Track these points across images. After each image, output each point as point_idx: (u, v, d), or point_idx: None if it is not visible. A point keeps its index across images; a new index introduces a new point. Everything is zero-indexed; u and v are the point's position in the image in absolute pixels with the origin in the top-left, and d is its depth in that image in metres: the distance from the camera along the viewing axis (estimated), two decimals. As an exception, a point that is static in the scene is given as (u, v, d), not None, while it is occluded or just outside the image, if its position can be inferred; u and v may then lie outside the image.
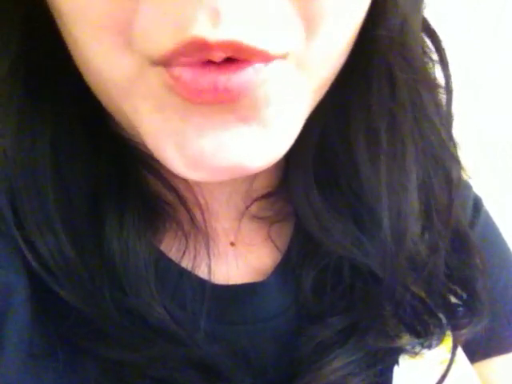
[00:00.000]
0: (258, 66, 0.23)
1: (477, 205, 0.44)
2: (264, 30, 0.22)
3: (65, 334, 0.28)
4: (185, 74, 0.23)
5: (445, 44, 0.34)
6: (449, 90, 0.34)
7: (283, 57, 0.24)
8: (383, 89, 0.31)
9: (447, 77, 0.34)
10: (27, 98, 0.29)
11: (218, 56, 0.22)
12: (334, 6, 0.24)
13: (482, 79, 0.77)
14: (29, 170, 0.29)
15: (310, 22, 0.23)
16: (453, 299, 0.37)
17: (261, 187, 0.35)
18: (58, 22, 0.26)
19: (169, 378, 0.29)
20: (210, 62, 0.23)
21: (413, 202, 0.33)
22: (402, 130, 0.32)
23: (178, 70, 0.23)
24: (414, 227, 0.34)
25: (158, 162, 0.31)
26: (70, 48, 0.26)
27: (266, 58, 0.23)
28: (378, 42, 0.28)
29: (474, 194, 0.45)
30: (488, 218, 0.45)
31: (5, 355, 0.26)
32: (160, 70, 0.23)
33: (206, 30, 0.21)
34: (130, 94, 0.25)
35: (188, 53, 0.22)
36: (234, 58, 0.23)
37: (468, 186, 0.44)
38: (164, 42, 0.22)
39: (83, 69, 0.26)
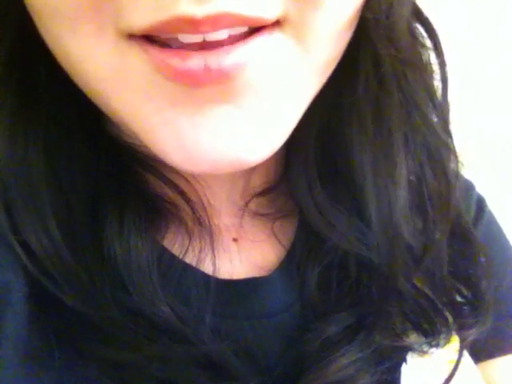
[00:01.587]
0: (255, 41, 0.23)
1: (480, 205, 0.44)
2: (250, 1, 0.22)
3: (64, 334, 0.28)
4: (168, 59, 0.22)
5: (445, 44, 0.34)
6: (444, 78, 0.34)
7: (278, 23, 0.23)
8: (369, 74, 0.30)
9: (442, 64, 0.33)
10: (20, 102, 0.29)
11: (205, 31, 0.21)
12: None
13: (482, 79, 0.77)
14: (23, 174, 0.29)
15: None
16: (458, 298, 0.37)
17: (259, 184, 0.35)
18: (36, 20, 0.25)
19: (172, 377, 0.29)
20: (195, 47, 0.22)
21: (401, 190, 0.33)
22: (388, 117, 0.32)
23: (160, 56, 0.22)
24: (403, 218, 0.33)
25: (156, 161, 0.31)
26: (51, 47, 0.26)
27: (260, 23, 0.22)
28: (365, 24, 0.27)
29: (478, 193, 0.45)
30: (491, 218, 0.45)
31: (2, 354, 0.26)
32: (140, 51, 0.23)
33: (190, 6, 0.21)
34: (115, 87, 0.24)
35: (173, 30, 0.22)
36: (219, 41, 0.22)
37: (471, 186, 0.44)
38: (144, 18, 0.21)
39: (67, 66, 0.26)
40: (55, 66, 0.27)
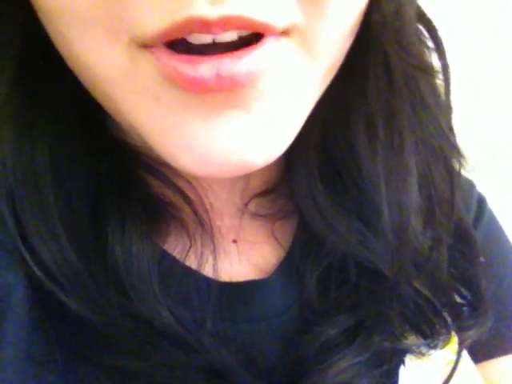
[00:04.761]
0: (263, 48, 0.23)
1: (481, 204, 0.44)
2: (262, 5, 0.22)
3: (66, 337, 0.28)
4: (179, 66, 0.22)
5: (445, 44, 0.34)
6: (447, 79, 0.34)
7: (286, 32, 0.23)
8: (380, 78, 0.31)
9: (445, 66, 0.34)
10: (25, 106, 0.29)
11: (216, 32, 0.22)
12: None
13: (482, 79, 0.77)
14: (29, 177, 0.29)
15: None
16: (457, 299, 0.37)
17: (259, 185, 0.35)
18: (45, 21, 0.25)
19: (174, 383, 0.29)
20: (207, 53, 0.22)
21: (413, 195, 0.33)
22: (399, 119, 0.32)
23: (173, 62, 0.23)
24: (416, 220, 0.33)
25: (159, 163, 0.31)
26: (60, 48, 0.26)
27: (267, 30, 0.23)
28: (373, 28, 0.28)
29: (478, 193, 0.44)
30: (492, 217, 0.44)
31: (3, 356, 0.26)
32: (152, 58, 0.23)
33: (204, 8, 0.21)
34: (126, 91, 0.24)
35: (185, 31, 0.22)
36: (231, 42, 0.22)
37: (472, 185, 0.44)
38: (159, 21, 0.21)
39: (76, 68, 0.26)
40: (59, 70, 0.27)
